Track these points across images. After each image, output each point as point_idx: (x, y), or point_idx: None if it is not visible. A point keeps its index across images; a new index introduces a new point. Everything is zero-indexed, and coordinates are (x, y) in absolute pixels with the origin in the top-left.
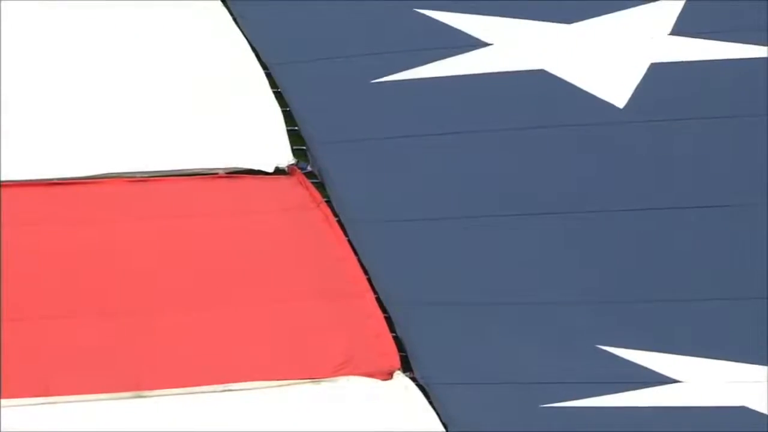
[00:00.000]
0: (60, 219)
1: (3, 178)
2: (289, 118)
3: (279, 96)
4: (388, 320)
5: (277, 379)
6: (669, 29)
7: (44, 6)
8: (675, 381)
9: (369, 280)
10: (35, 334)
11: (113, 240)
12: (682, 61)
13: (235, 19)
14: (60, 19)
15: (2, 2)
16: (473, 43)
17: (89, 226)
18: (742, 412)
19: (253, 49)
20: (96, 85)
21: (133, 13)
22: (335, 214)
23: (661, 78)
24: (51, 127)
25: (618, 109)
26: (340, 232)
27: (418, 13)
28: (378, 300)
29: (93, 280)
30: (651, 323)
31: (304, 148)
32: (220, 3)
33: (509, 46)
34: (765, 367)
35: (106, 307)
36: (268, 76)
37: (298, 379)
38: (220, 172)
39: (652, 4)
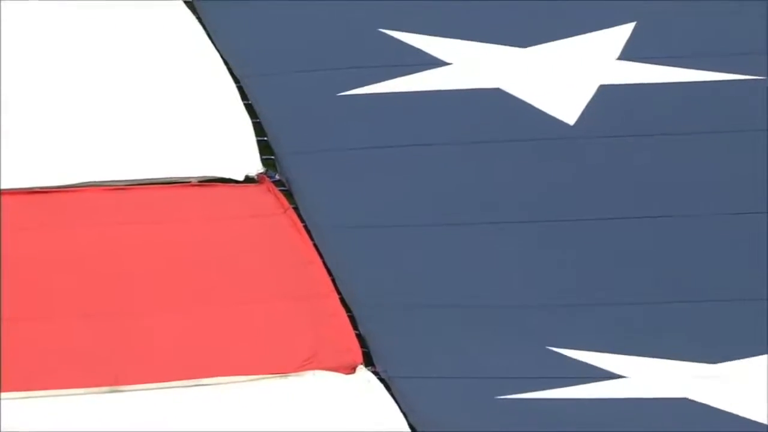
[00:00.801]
0: (43, 224)
1: None
2: (258, 129)
3: (249, 108)
4: (352, 319)
5: (247, 374)
6: (617, 54)
7: (23, 22)
8: (620, 376)
9: (333, 282)
10: (16, 333)
11: (93, 244)
12: (628, 84)
13: (208, 34)
14: (35, 33)
15: None
16: (434, 62)
17: (71, 231)
18: (684, 402)
19: (225, 63)
20: (77, 99)
21: (106, 26)
22: (302, 220)
23: (608, 98)
24: (35, 139)
25: (569, 125)
26: (307, 236)
27: (383, 33)
28: (342, 300)
29: (72, 282)
30: (598, 326)
31: (273, 157)
32: (195, 19)
33: (468, 65)
34: (707, 365)
35: (85, 307)
36: (240, 89)
37: (267, 374)
38: (194, 180)
39: (601, 31)
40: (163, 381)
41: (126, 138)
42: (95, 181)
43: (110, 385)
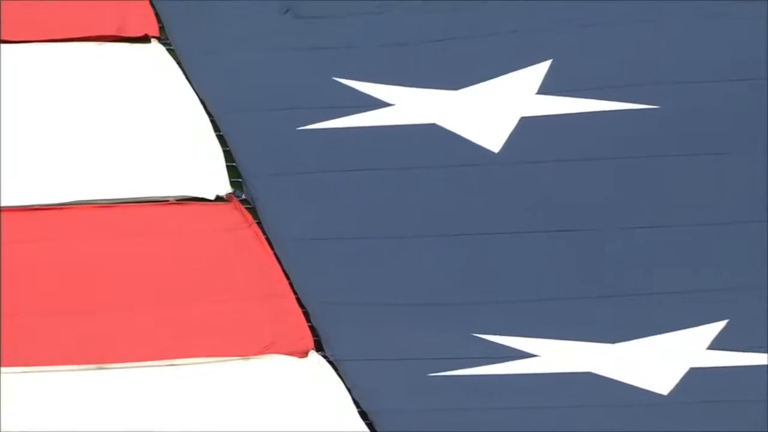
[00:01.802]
0: (38, 236)
1: None
2: (228, 155)
3: (221, 138)
4: (305, 314)
5: (216, 356)
6: (536, 90)
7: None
8: (533, 355)
9: (290, 284)
10: (15, 322)
11: (82, 252)
12: (545, 115)
13: (186, 76)
14: (34, 74)
15: None
16: (379, 104)
17: (62, 242)
18: (588, 375)
19: (201, 101)
20: (70, 130)
21: (98, 66)
22: (264, 233)
23: (528, 129)
24: (33, 164)
25: (494, 153)
26: (268, 247)
27: (335, 80)
28: (297, 299)
29: (64, 283)
30: (515, 316)
31: (240, 180)
32: (175, 63)
33: (408, 106)
34: (606, 344)
35: (75, 303)
36: (213, 122)
37: (232, 356)
38: (171, 199)
39: (521, 70)
40: (143, 360)
41: (113, 162)
42: (85, 200)
43: (97, 363)
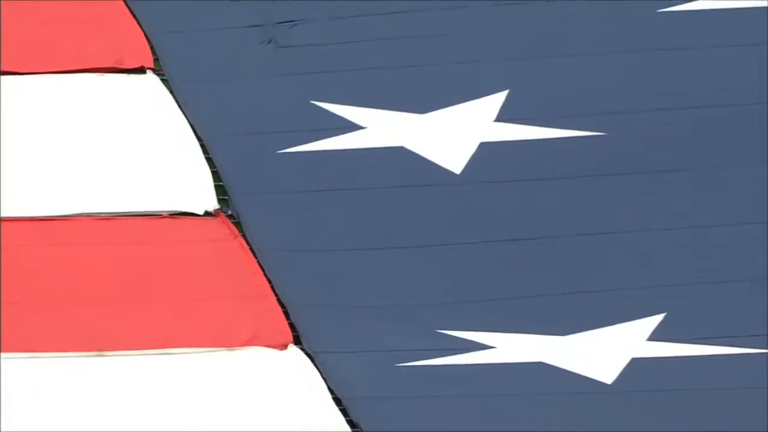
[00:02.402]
0: (48, 241)
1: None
2: (216, 176)
3: (209, 160)
4: (285, 313)
5: (204, 347)
6: (494, 117)
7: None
8: (490, 347)
9: (272, 287)
10: (19, 311)
11: (86, 255)
12: (503, 141)
13: (178, 104)
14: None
15: None
16: (352, 127)
17: (68, 247)
18: (540, 365)
19: (191, 126)
20: (73, 149)
21: (98, 96)
22: (248, 244)
23: (487, 153)
24: (42, 180)
25: (456, 174)
26: (252, 256)
27: (313, 104)
28: (278, 300)
29: (66, 280)
30: (474, 314)
31: (226, 198)
32: (168, 92)
33: (378, 129)
34: (557, 336)
35: (76, 297)
36: (202, 146)
37: (219, 347)
38: (165, 213)
39: (481, 98)
40: (139, 349)
41: (113, 181)
42: (89, 212)
43: (97, 350)
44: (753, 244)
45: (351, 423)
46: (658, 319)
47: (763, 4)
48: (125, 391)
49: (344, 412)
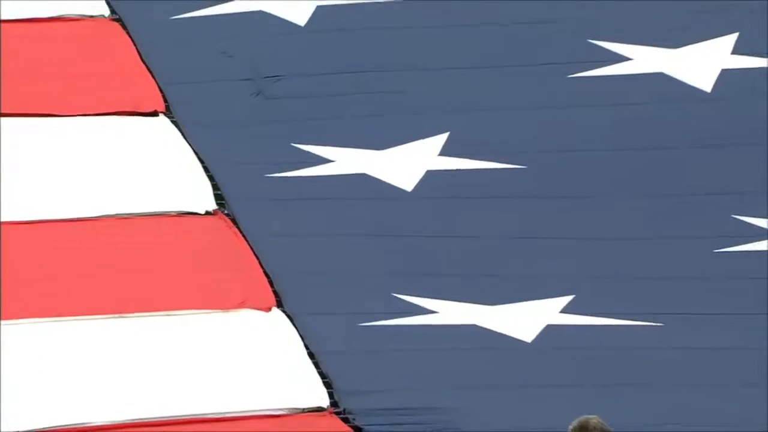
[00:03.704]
0: (78, 235)
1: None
2: (215, 187)
3: (210, 177)
4: (270, 282)
5: (204, 309)
6: (438, 152)
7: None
8: (434, 312)
9: (260, 263)
10: (60, 285)
11: (109, 243)
12: (445, 169)
13: (184, 136)
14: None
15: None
16: (324, 161)
17: (95, 237)
18: (473, 327)
19: (196, 153)
20: (103, 173)
21: (119, 130)
22: (241, 232)
23: (432, 177)
24: (75, 189)
25: (407, 191)
26: (243, 240)
27: (294, 146)
28: (264, 272)
29: (96, 260)
30: (423, 284)
31: (223, 201)
32: (176, 130)
33: (345, 161)
34: (488, 306)
35: (104, 275)
36: (205, 167)
37: (216, 309)
38: (173, 213)
39: (428, 138)
40: (149, 311)
41: (134, 192)
42: (111, 214)
43: (117, 312)
44: (638, 250)
45: (321, 374)
46: (569, 298)
47: (655, 69)
48: (142, 344)
49: (316, 364)
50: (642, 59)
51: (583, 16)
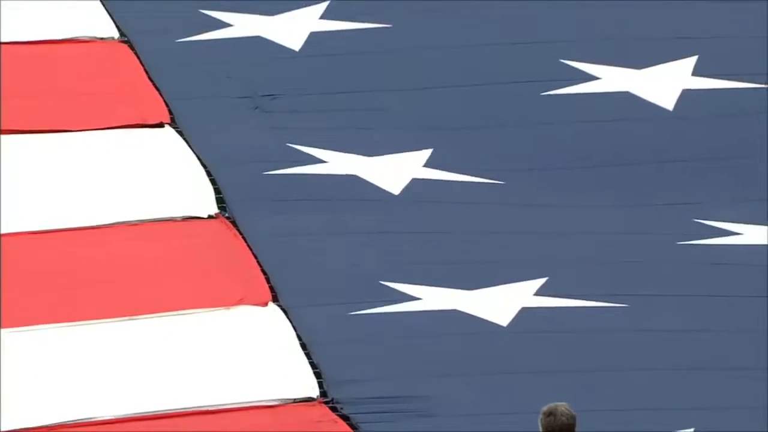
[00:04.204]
0: (93, 242)
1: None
2: (217, 191)
3: (213, 182)
4: (267, 279)
5: (208, 307)
6: (423, 164)
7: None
8: (418, 298)
9: (258, 262)
10: (79, 290)
11: (122, 248)
12: (428, 178)
13: (190, 146)
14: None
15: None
16: (318, 161)
17: (108, 243)
18: (454, 312)
19: (199, 159)
20: (114, 182)
21: (128, 142)
22: (240, 233)
23: (416, 184)
24: (87, 198)
25: (395, 194)
26: (243, 241)
27: (289, 145)
28: (262, 270)
29: (110, 266)
30: (406, 272)
31: (225, 206)
32: (181, 139)
33: (339, 164)
34: (468, 291)
35: (116, 279)
36: (208, 172)
37: (219, 307)
38: (178, 218)
39: (414, 152)
40: (158, 312)
41: (142, 199)
42: (122, 221)
43: (128, 315)
44: (604, 239)
45: (312, 364)
46: (542, 280)
47: (622, 89)
48: (151, 343)
49: (308, 355)
50: (609, 79)
51: (556, 39)
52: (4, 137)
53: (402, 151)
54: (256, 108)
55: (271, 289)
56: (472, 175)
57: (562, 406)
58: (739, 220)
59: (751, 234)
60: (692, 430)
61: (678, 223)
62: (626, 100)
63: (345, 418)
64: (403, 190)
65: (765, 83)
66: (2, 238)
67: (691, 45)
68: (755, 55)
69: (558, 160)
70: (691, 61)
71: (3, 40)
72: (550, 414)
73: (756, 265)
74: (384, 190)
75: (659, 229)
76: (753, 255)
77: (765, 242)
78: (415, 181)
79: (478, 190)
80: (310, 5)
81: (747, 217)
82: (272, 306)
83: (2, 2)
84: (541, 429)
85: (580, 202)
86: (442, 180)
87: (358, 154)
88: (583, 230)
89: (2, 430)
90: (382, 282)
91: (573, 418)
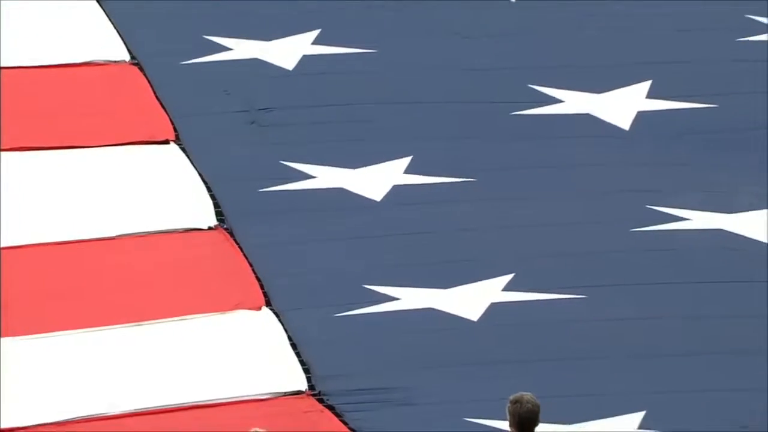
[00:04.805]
0: (106, 251)
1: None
2: (216, 204)
3: (213, 197)
4: (261, 286)
5: (207, 312)
6: (403, 170)
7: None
8: (397, 299)
9: (252, 270)
10: (89, 298)
11: (129, 257)
12: (407, 184)
13: (192, 163)
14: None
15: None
16: (308, 177)
17: (118, 253)
18: (430, 310)
19: (200, 176)
20: (119, 191)
21: (137, 157)
22: (237, 243)
23: (397, 191)
24: (97, 210)
25: (377, 201)
26: (239, 251)
27: (282, 163)
28: (256, 277)
29: (119, 274)
30: (385, 274)
31: (223, 218)
32: (185, 156)
33: (325, 177)
34: (442, 289)
35: (125, 288)
36: (208, 188)
37: (217, 312)
38: (180, 229)
39: (394, 161)
40: (163, 318)
41: (147, 212)
42: (130, 233)
43: (136, 321)
44: (566, 233)
45: (302, 361)
46: (509, 277)
47: (583, 111)
48: (155, 346)
49: (298, 354)
50: (572, 102)
51: (525, 65)
52: (25, 153)
53: (385, 161)
54: (253, 122)
55: (265, 294)
56: (447, 176)
57: (528, 395)
58: (686, 207)
59: (698, 220)
60: (644, 412)
61: (632, 210)
62: (587, 120)
63: (330, 408)
64: (385, 196)
65: (711, 103)
66: (23, 249)
67: (646, 70)
68: (704, 78)
69: (523, 163)
70: (645, 86)
71: (27, 64)
72: (516, 402)
73: (704, 249)
74: (367, 198)
75: (614, 216)
76: (701, 240)
77: (711, 227)
78: (396, 188)
79: (453, 189)
80: (303, 32)
81: (695, 203)
82: (265, 310)
83: (27, 29)
84: (508, 415)
85: (543, 196)
86: (420, 184)
87: (343, 167)
88: (546, 222)
89: (22, 425)
90: (365, 285)
91: (537, 406)
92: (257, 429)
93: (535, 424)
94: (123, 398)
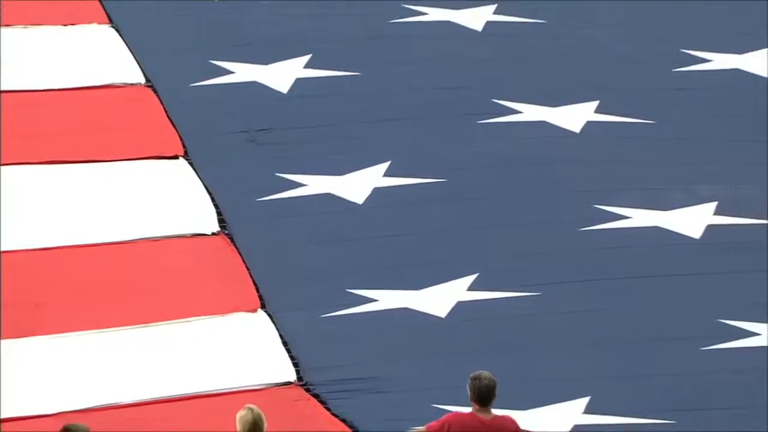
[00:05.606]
0: (112, 256)
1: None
2: (219, 214)
3: (216, 207)
4: (257, 289)
5: (207, 315)
6: (382, 174)
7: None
8: (375, 300)
9: (250, 274)
10: (93, 300)
11: (137, 262)
12: (388, 186)
13: (198, 176)
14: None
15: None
16: (299, 185)
17: (127, 257)
18: (405, 310)
19: (206, 189)
20: (132, 202)
21: (149, 171)
22: (236, 248)
23: (377, 194)
24: (113, 217)
25: (359, 204)
26: (239, 256)
27: (276, 175)
28: (253, 282)
29: (126, 276)
30: (366, 278)
31: (225, 224)
32: (192, 170)
33: (314, 186)
34: (415, 291)
35: (132, 290)
36: (212, 198)
37: (215, 314)
38: (188, 235)
39: (376, 165)
40: (163, 321)
41: (156, 219)
42: (139, 238)
43: (138, 323)
44: (522, 234)
45: (291, 356)
46: (473, 277)
47: (540, 119)
48: (159, 346)
49: (288, 350)
50: (530, 112)
51: (489, 80)
52: (53, 167)
53: (367, 166)
54: (252, 141)
55: (260, 297)
56: (420, 177)
57: (486, 372)
58: (628, 205)
59: (639, 217)
60: (589, 398)
61: (580, 209)
62: (543, 127)
63: (316, 396)
64: (366, 199)
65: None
66: (47, 251)
67: (593, 91)
68: (644, 99)
69: (486, 163)
70: (594, 104)
71: (52, 87)
72: (476, 378)
73: (642, 246)
74: (351, 202)
75: (563, 215)
76: (640, 237)
77: (650, 225)
78: (375, 191)
79: (425, 189)
80: (296, 57)
81: (636, 201)
82: (260, 312)
83: (53, 55)
84: (469, 391)
85: (504, 193)
86: (397, 185)
87: (331, 175)
88: (507, 222)
89: (47, 413)
90: (348, 289)
91: (494, 381)
92: (250, 405)
93: (493, 396)
94: (134, 390)
